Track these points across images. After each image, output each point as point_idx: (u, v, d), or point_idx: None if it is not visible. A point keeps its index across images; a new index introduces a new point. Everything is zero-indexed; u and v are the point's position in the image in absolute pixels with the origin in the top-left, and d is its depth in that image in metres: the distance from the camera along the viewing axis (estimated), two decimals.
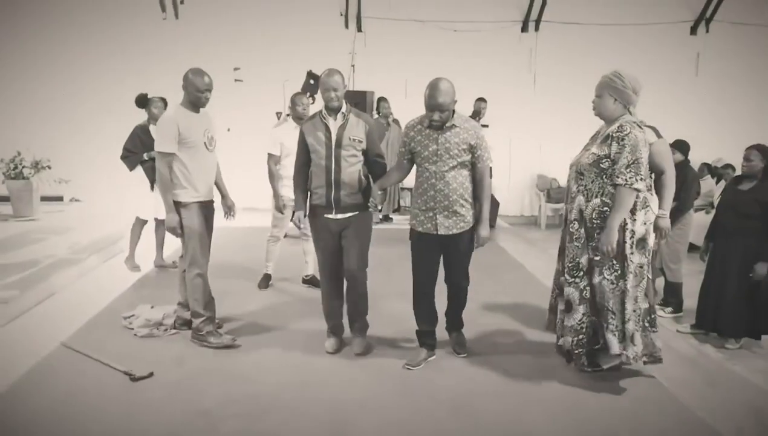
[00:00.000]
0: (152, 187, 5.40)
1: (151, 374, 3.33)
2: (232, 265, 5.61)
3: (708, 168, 8.04)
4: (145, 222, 5.59)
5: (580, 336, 3.37)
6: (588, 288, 3.34)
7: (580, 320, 3.36)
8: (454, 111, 3.34)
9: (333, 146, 3.50)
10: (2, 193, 7.47)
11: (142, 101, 5.41)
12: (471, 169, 3.41)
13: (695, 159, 6.69)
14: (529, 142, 9.43)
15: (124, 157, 5.37)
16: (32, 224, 7.05)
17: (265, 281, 5.20)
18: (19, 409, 2.94)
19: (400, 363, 3.58)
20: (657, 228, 3.76)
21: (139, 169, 5.38)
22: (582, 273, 3.34)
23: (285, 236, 7.21)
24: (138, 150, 5.34)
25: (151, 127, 5.39)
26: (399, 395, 3.21)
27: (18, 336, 3.93)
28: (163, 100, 5.45)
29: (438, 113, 3.26)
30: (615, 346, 3.25)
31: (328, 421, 2.92)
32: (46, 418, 2.87)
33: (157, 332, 3.95)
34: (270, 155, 4.95)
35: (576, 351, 3.41)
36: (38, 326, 4.12)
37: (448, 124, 3.32)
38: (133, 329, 3.97)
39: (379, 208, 8.50)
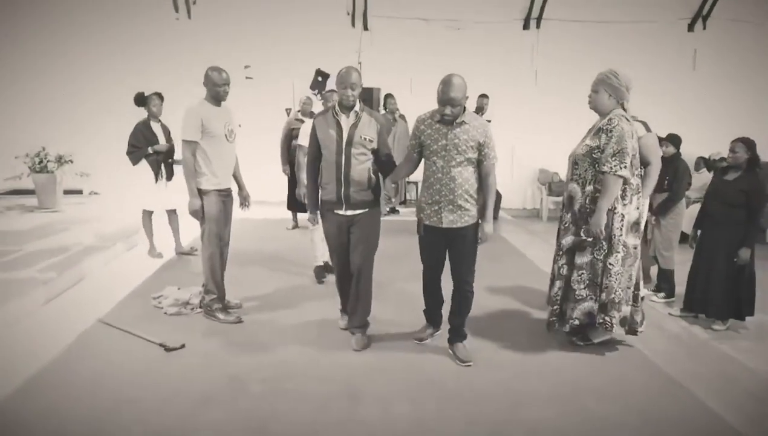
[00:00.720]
0: (156, 180, 5.71)
1: (183, 346, 3.64)
2: (248, 252, 5.91)
3: (704, 161, 8.16)
4: (151, 213, 5.86)
5: (555, 307, 3.78)
6: (565, 266, 3.70)
7: (555, 293, 3.77)
8: (465, 108, 3.40)
9: (344, 144, 3.52)
10: (27, 186, 7.78)
11: (141, 100, 5.68)
12: (477, 166, 3.47)
13: (692, 153, 6.88)
14: (531, 137, 9.64)
15: (129, 153, 5.65)
16: (56, 215, 7.36)
17: (321, 272, 5.15)
18: (65, 377, 3.24)
19: (408, 337, 3.90)
20: None
21: (144, 162, 5.66)
22: (561, 253, 3.73)
23: (296, 226, 7.51)
24: (141, 145, 5.62)
25: (152, 123, 5.71)
26: (407, 365, 3.52)
27: (58, 314, 4.25)
28: (159, 96, 5.73)
29: (450, 108, 3.30)
30: (595, 311, 3.64)
31: (343, 385, 3.23)
32: (90, 384, 3.16)
33: (184, 310, 4.26)
34: (299, 146, 5.10)
35: (551, 319, 3.83)
36: (75, 305, 4.43)
37: (458, 121, 3.36)
38: (162, 307, 4.28)
39: (393, 200, 8.78)
